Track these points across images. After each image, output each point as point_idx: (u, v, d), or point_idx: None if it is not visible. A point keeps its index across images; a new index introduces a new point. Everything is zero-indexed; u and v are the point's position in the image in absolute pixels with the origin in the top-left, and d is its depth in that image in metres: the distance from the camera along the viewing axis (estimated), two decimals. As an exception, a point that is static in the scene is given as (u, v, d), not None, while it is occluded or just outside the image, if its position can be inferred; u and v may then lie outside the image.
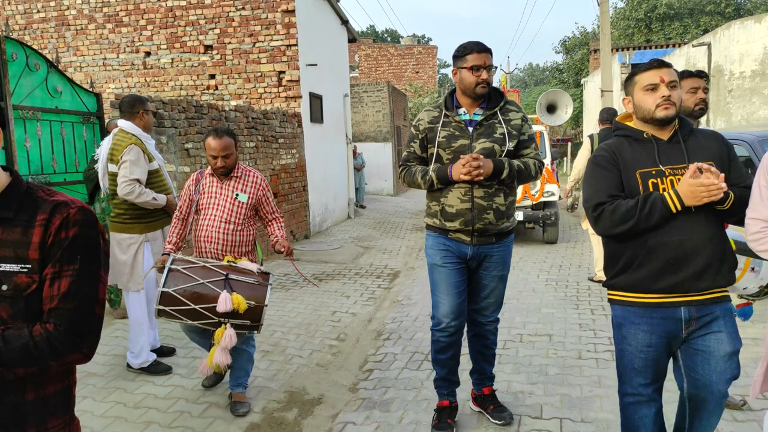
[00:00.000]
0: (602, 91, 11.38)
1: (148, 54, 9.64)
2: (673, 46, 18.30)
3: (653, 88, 1.94)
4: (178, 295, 2.78)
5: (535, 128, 8.24)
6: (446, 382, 2.96)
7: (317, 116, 10.11)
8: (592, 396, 3.23)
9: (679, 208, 1.85)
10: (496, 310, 2.99)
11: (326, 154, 10.54)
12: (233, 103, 9.19)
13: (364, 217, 12.05)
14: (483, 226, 2.71)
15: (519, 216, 7.59)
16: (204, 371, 3.12)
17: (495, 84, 2.94)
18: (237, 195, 3.11)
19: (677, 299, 1.93)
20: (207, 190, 3.13)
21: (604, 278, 5.89)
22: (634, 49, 17.60)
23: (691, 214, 1.88)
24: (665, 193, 1.87)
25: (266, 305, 2.88)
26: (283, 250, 3.10)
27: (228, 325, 2.82)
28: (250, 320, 2.85)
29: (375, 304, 5.53)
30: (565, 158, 28.98)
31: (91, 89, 5.20)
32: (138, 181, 3.49)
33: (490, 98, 2.78)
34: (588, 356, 3.84)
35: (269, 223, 3.30)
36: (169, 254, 3.05)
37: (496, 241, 2.80)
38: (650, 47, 18.43)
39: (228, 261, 3.00)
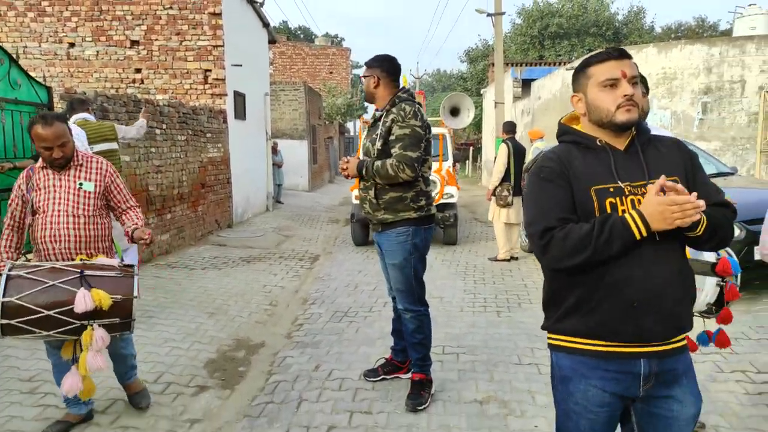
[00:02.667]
0: (495, 102, 12.98)
1: (72, 45, 9.85)
2: (559, 64, 20.60)
3: (612, 84, 1.57)
4: (26, 304, 2.38)
5: (438, 131, 9.19)
6: (393, 334, 3.60)
7: (240, 113, 10.80)
8: (467, 333, 4.43)
9: (644, 233, 1.47)
10: (403, 299, 3.23)
11: (248, 149, 11.25)
12: (159, 97, 9.67)
13: (282, 210, 12.85)
14: (365, 215, 3.29)
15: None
16: (73, 387, 2.53)
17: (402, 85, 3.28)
18: (81, 184, 2.75)
19: (637, 349, 1.56)
20: (43, 185, 2.71)
21: (505, 257, 7.06)
22: (526, 65, 19.65)
23: (655, 242, 1.50)
24: (627, 215, 1.49)
25: (136, 297, 2.55)
26: (146, 237, 2.73)
27: (95, 325, 2.46)
28: (119, 317, 2.51)
29: (300, 280, 6.47)
30: (467, 161, 31.17)
31: (43, 83, 5.70)
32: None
33: (387, 102, 3.13)
34: (467, 309, 5.06)
35: (125, 213, 2.91)
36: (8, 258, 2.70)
37: (382, 230, 3.19)
38: (541, 64, 20.61)
39: (81, 260, 2.65)
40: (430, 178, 7.69)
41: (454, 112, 10.92)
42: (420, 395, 3.19)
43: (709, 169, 5.99)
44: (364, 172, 3.08)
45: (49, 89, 5.70)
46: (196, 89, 9.87)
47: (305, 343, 4.34)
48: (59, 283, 2.44)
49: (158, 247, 7.23)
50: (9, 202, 2.80)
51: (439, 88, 53.72)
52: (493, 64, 15.93)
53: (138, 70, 9.87)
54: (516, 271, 6.70)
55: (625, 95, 1.56)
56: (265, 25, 12.73)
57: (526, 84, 15.78)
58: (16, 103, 5.20)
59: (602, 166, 1.59)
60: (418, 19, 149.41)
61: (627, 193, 1.56)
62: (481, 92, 24.00)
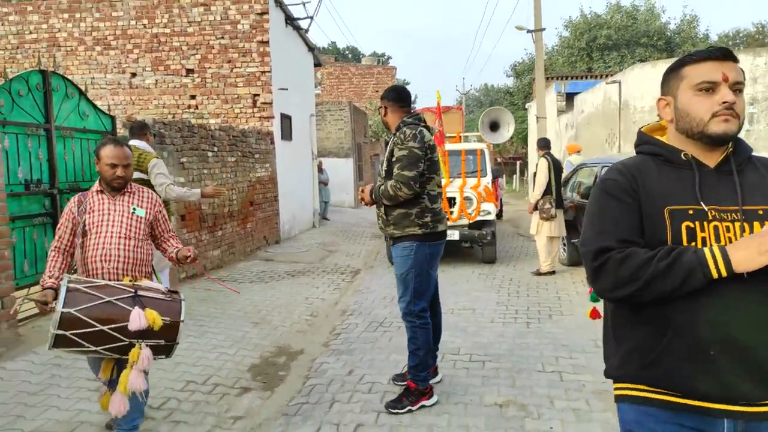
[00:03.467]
0: (537, 117, 13.04)
1: (133, 75, 10.68)
2: (607, 76, 20.37)
3: (710, 88, 1.33)
4: (82, 316, 2.39)
5: (477, 146, 9.33)
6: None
7: (287, 134, 11.35)
8: (494, 342, 4.60)
9: (724, 273, 1.22)
10: (402, 308, 3.50)
11: (294, 168, 11.77)
12: (212, 121, 10.32)
13: (327, 226, 13.29)
14: (379, 229, 3.64)
15: (455, 236, 7.65)
16: (120, 409, 2.56)
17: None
18: (134, 209, 2.87)
19: (718, 406, 1.30)
20: (97, 208, 2.80)
21: (548, 270, 7.08)
22: (572, 78, 19.55)
23: (742, 281, 1.24)
24: (705, 250, 1.24)
25: (182, 321, 2.63)
26: (189, 254, 2.84)
27: (143, 344, 2.51)
28: (165, 339, 2.58)
29: (340, 292, 6.79)
30: (514, 175, 31.00)
31: (108, 112, 6.31)
32: (172, 183, 4.66)
33: (400, 126, 3.41)
34: (498, 320, 5.23)
35: (166, 241, 3.03)
36: (49, 285, 2.64)
37: (393, 244, 3.50)
38: (586, 77, 20.44)
39: (129, 281, 2.70)
40: (467, 194, 7.84)
41: (494, 126, 10.87)
42: (400, 401, 3.39)
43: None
44: (373, 196, 3.41)
45: (113, 118, 6.29)
46: (245, 113, 10.47)
47: (341, 350, 4.62)
48: (115, 299, 2.48)
49: (210, 262, 7.73)
50: (58, 226, 2.85)
51: (487, 103, 53.59)
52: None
53: (193, 97, 10.57)
54: (552, 284, 6.78)
55: (725, 102, 1.31)
56: (311, 49, 13.32)
57: (570, 97, 15.75)
58: (84, 132, 5.79)
59: (683, 184, 1.35)
60: (465, 34, 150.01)
61: (710, 218, 1.29)
62: (527, 106, 23.94)
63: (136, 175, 4.73)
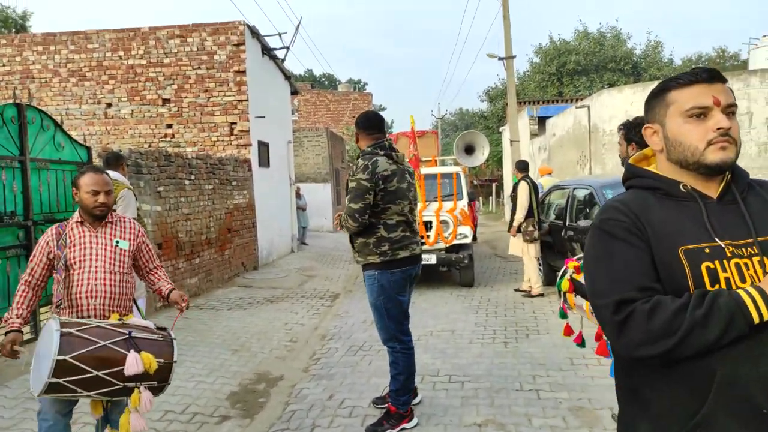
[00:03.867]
0: (511, 141, 13.34)
1: (109, 105, 10.67)
2: (577, 100, 20.95)
3: (701, 113, 1.24)
4: (78, 363, 2.32)
5: (452, 169, 9.39)
6: None
7: (264, 161, 11.40)
8: (473, 363, 4.66)
9: (766, 316, 1.08)
10: (380, 335, 3.58)
11: (272, 195, 11.80)
12: (189, 149, 10.33)
13: (306, 251, 13.29)
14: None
15: (432, 260, 7.66)
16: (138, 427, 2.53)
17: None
18: (117, 242, 2.78)
19: None
20: (78, 242, 2.70)
21: (532, 289, 7.10)
22: (543, 102, 20.07)
23: None
24: (741, 292, 1.10)
25: (175, 361, 2.59)
26: (184, 304, 2.80)
27: (142, 387, 2.47)
28: (158, 380, 2.53)
29: (319, 318, 6.79)
30: (490, 197, 31.41)
31: (83, 143, 6.31)
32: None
33: (359, 155, 3.49)
34: (476, 341, 5.29)
35: (152, 272, 2.95)
36: (17, 327, 2.54)
37: (363, 271, 3.54)
38: (557, 101, 21.00)
39: (118, 319, 2.63)
40: (443, 218, 7.89)
41: (469, 150, 10.92)
42: (381, 424, 3.44)
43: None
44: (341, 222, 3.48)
45: (88, 149, 6.28)
46: (222, 141, 10.52)
47: (321, 375, 4.63)
48: (110, 343, 2.39)
49: (187, 290, 7.67)
50: (31, 258, 2.69)
51: (462, 126, 54.41)
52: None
53: (169, 126, 10.59)
54: (528, 304, 6.89)
55: (719, 128, 1.21)
56: (287, 78, 13.49)
57: (542, 121, 16.16)
58: (60, 163, 5.77)
59: (691, 219, 1.22)
60: (439, 60, 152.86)
61: (729, 254, 1.17)
62: (500, 130, 24.44)
63: None
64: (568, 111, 12.70)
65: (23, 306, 2.63)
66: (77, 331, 2.38)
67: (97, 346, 2.37)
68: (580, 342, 3.30)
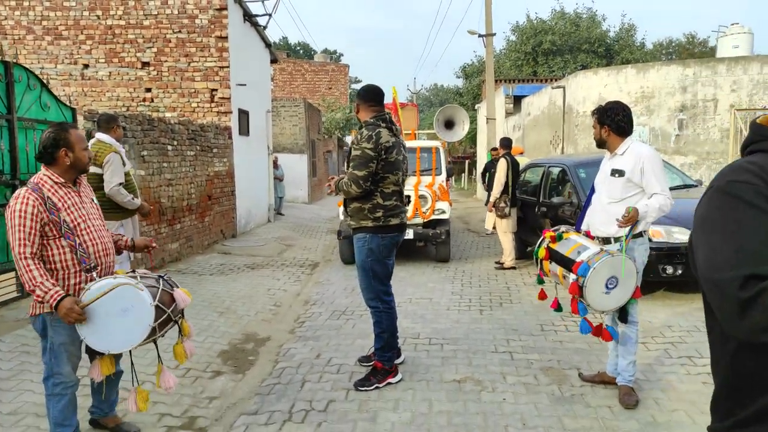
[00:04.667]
0: (487, 118, 13.59)
1: (86, 66, 10.46)
2: (552, 80, 21.28)
3: None
4: (161, 305, 2.61)
5: (431, 144, 9.17)
6: None
7: (244, 129, 11.39)
8: (451, 327, 4.96)
9: None
10: (364, 295, 3.82)
11: (251, 164, 11.82)
12: (168, 114, 10.25)
13: (283, 221, 13.40)
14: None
15: (409, 234, 7.52)
16: (170, 383, 2.86)
17: (387, 99, 3.94)
18: (93, 198, 2.86)
19: None
20: (69, 203, 2.64)
21: (512, 264, 7.57)
22: (518, 81, 20.33)
23: None
24: None
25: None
26: (152, 243, 3.01)
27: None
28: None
29: (301, 284, 7.00)
30: (462, 174, 31.80)
31: (68, 104, 6.28)
32: (120, 184, 4.73)
33: (362, 125, 3.69)
34: (453, 308, 5.60)
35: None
36: (64, 293, 2.51)
37: (352, 234, 3.83)
38: (532, 81, 21.30)
39: (124, 273, 2.74)
40: (421, 193, 8.04)
41: (449, 125, 10.89)
42: (368, 379, 3.69)
43: (675, 181, 6.58)
44: (338, 187, 3.72)
45: (73, 110, 6.26)
46: (203, 107, 10.46)
47: (307, 336, 4.87)
48: (162, 288, 2.66)
49: (168, 255, 7.77)
50: (27, 231, 2.49)
51: (437, 102, 54.51)
52: (484, 81, 16.58)
53: (148, 90, 10.46)
54: (501, 276, 7.24)
55: None
56: (267, 45, 13.38)
57: (517, 100, 16.43)
58: (45, 123, 5.75)
59: None
60: (417, 33, 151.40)
61: None
62: (476, 107, 24.67)
63: (92, 169, 4.66)
64: (544, 91, 12.99)
65: (47, 276, 2.52)
66: (142, 279, 2.64)
67: (158, 289, 2.64)
68: (557, 307, 3.62)
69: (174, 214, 7.97)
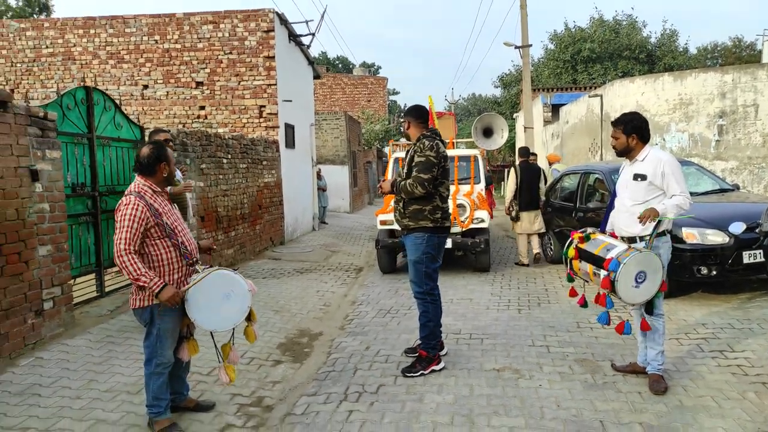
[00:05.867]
0: (525, 127, 13.82)
1: (145, 87, 11.29)
2: (592, 87, 21.26)
3: None
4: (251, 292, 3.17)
5: (470, 152, 9.26)
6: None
7: (290, 142, 12.00)
8: (491, 324, 5.28)
9: None
10: (413, 286, 4.18)
11: (297, 175, 12.41)
12: (220, 130, 10.94)
13: (327, 230, 13.93)
14: (395, 221, 4.32)
15: (448, 243, 7.23)
16: (235, 359, 3.37)
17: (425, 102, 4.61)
18: (174, 205, 3.32)
19: None
20: (164, 210, 3.08)
21: (525, 261, 8.24)
22: (556, 90, 20.45)
23: None
24: None
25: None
26: (213, 245, 3.48)
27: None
28: None
29: (347, 287, 7.43)
30: (502, 183, 31.82)
31: (137, 123, 6.93)
32: None
33: (420, 137, 4.13)
34: (493, 308, 5.91)
35: None
36: (163, 282, 2.95)
37: (406, 234, 4.18)
38: (571, 89, 21.36)
39: (201, 268, 3.15)
40: (459, 202, 8.30)
41: (487, 133, 10.83)
42: (414, 366, 4.04)
43: (710, 185, 6.72)
44: (395, 189, 4.13)
45: (141, 128, 6.90)
46: (252, 122, 11.12)
47: (356, 332, 5.27)
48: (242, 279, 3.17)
49: (224, 260, 8.34)
50: (134, 232, 2.92)
51: (475, 112, 54.53)
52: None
53: (202, 107, 11.20)
54: (540, 278, 7.49)
55: None
56: (310, 63, 14.02)
57: (555, 109, 16.58)
58: (119, 141, 6.40)
59: None
60: (454, 46, 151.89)
61: None
62: (514, 116, 24.80)
63: None
64: (582, 99, 13.14)
65: (147, 269, 2.94)
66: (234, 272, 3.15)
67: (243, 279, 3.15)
68: (583, 303, 3.91)
69: (229, 222, 8.55)
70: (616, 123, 3.79)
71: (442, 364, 4.14)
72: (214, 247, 3.53)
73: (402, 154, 4.50)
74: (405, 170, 4.14)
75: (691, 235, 5.53)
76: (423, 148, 4.03)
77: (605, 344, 4.59)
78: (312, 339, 5.16)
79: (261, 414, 3.56)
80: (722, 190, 6.69)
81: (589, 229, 3.87)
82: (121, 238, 2.94)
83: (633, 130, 3.69)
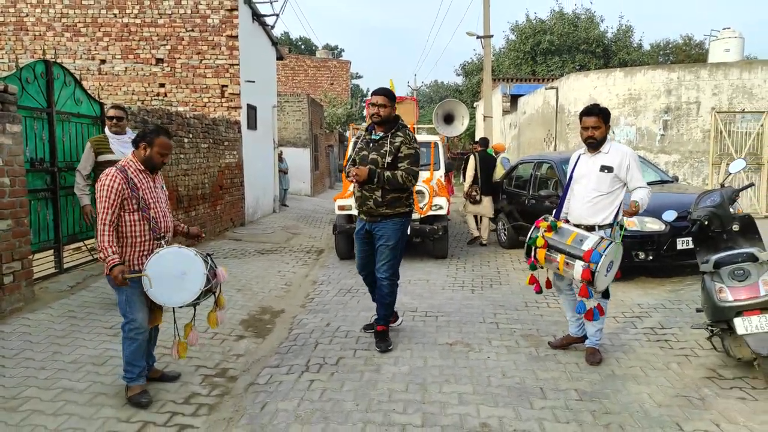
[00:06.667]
0: (484, 116, 14.18)
1: (103, 62, 11.03)
2: (550, 79, 21.83)
3: None
4: (209, 276, 3.25)
5: (430, 138, 9.28)
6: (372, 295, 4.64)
7: (252, 124, 11.97)
8: (445, 303, 5.57)
9: None
10: (387, 270, 4.24)
11: (258, 156, 12.41)
12: (180, 109, 10.81)
13: (287, 212, 13.99)
14: (366, 210, 4.22)
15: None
16: (194, 341, 3.51)
17: (386, 85, 4.37)
18: (162, 185, 3.45)
19: None
20: (146, 186, 3.23)
21: (476, 233, 8.79)
22: (516, 80, 20.93)
23: None
24: None
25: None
26: (201, 234, 3.67)
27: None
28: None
29: (309, 267, 7.60)
30: (461, 170, 32.35)
31: (97, 99, 6.85)
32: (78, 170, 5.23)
33: (389, 125, 4.14)
34: (448, 288, 6.21)
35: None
36: (120, 261, 3.10)
37: (382, 221, 4.20)
38: (530, 80, 21.90)
39: (179, 245, 3.33)
40: (419, 188, 8.52)
41: (448, 119, 10.78)
42: (386, 341, 4.30)
43: (653, 177, 7.18)
44: (376, 179, 4.07)
45: (101, 104, 6.83)
46: (213, 102, 11.04)
47: (317, 309, 5.47)
48: (210, 262, 3.32)
49: (184, 240, 8.34)
50: (110, 203, 3.09)
51: (437, 99, 54.89)
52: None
53: (162, 85, 11.03)
54: (493, 261, 7.84)
55: None
56: (274, 44, 13.94)
57: (515, 99, 17.03)
58: (78, 116, 6.33)
59: None
60: (417, 32, 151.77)
61: None
62: (475, 105, 25.23)
63: (108, 157, 5.05)
64: (539, 91, 13.58)
65: (114, 244, 3.12)
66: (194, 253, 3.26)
67: (208, 264, 3.28)
68: (539, 290, 4.12)
69: (189, 202, 8.55)
70: (595, 112, 3.80)
71: (399, 320, 4.63)
72: (203, 235, 3.63)
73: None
74: (388, 159, 4.09)
75: (631, 223, 5.93)
76: (411, 140, 4.11)
77: (549, 321, 4.94)
78: (274, 316, 5.33)
79: (225, 384, 3.73)
80: (663, 182, 7.16)
81: (550, 218, 3.94)
82: (100, 208, 3.12)
83: (607, 121, 3.84)
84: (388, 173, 4.09)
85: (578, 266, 3.59)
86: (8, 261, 4.66)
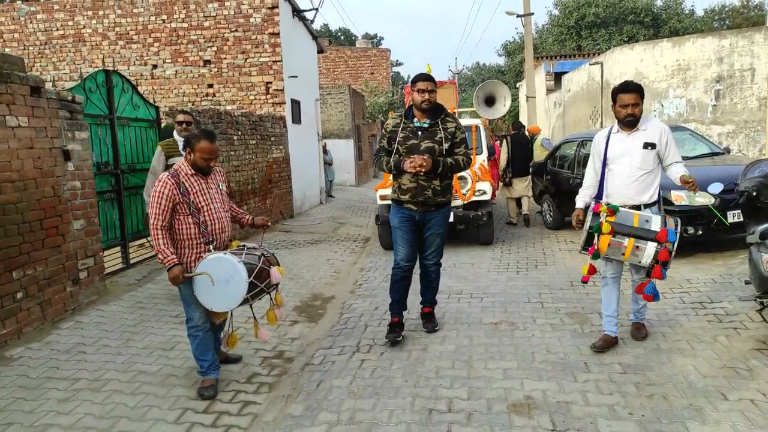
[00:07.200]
0: (527, 96, 14.00)
1: (154, 67, 11.57)
2: (596, 54, 21.21)
3: None
4: (253, 280, 3.24)
5: (472, 122, 8.83)
6: (397, 305, 4.35)
7: (297, 118, 12.30)
8: (490, 284, 5.68)
9: None
10: (436, 256, 4.31)
11: (304, 150, 12.74)
12: (228, 107, 11.24)
13: (333, 203, 14.32)
14: (423, 200, 4.03)
15: (449, 217, 6.93)
16: (265, 337, 3.69)
17: (424, 71, 4.25)
18: (220, 184, 3.47)
19: None
20: (197, 189, 3.29)
21: (514, 220, 9.02)
22: (559, 57, 20.46)
23: None
24: None
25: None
26: (268, 223, 3.65)
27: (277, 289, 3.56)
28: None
29: (356, 255, 7.84)
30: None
31: (153, 103, 7.27)
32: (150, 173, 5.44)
33: (435, 111, 4.03)
34: (493, 270, 6.30)
35: (231, 206, 3.66)
36: (178, 261, 3.21)
37: (435, 210, 4.11)
38: (575, 56, 21.35)
39: (238, 245, 3.41)
40: (461, 174, 8.50)
41: (490, 102, 10.51)
42: (432, 321, 4.45)
43: (703, 149, 7.01)
44: (440, 168, 3.96)
45: (157, 108, 7.25)
46: (259, 99, 11.41)
47: (365, 295, 5.69)
48: (261, 264, 3.34)
49: (238, 233, 8.75)
50: (161, 208, 3.20)
51: (479, 81, 54.09)
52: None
53: (210, 86, 11.49)
54: (538, 242, 7.86)
55: None
56: (314, 37, 14.20)
57: (558, 77, 16.69)
58: (136, 121, 6.76)
59: None
60: (456, 15, 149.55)
61: None
62: (518, 85, 24.82)
63: (179, 159, 5.44)
64: (583, 67, 13.29)
65: (169, 245, 3.21)
66: (246, 258, 3.30)
67: (257, 266, 3.32)
68: (588, 279, 3.97)
69: (241, 197, 8.94)
70: (632, 88, 3.66)
71: None
72: (269, 224, 3.70)
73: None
74: (446, 146, 4.00)
75: (680, 197, 5.86)
76: (460, 125, 4.10)
77: (595, 299, 4.97)
78: (325, 302, 5.59)
79: (283, 365, 3.99)
80: (713, 154, 6.98)
81: (606, 202, 3.76)
82: (151, 214, 3.26)
83: (643, 97, 3.72)
84: (450, 160, 4.00)
85: (650, 248, 3.47)
86: (82, 258, 5.09)
